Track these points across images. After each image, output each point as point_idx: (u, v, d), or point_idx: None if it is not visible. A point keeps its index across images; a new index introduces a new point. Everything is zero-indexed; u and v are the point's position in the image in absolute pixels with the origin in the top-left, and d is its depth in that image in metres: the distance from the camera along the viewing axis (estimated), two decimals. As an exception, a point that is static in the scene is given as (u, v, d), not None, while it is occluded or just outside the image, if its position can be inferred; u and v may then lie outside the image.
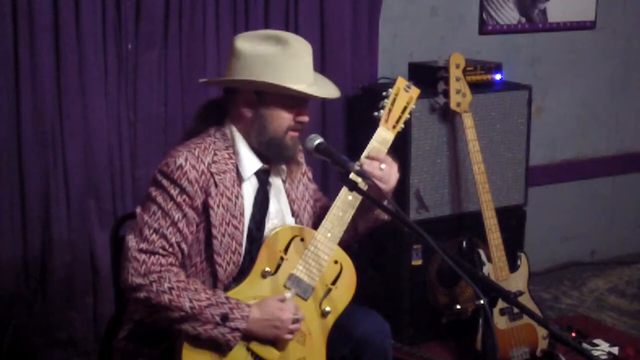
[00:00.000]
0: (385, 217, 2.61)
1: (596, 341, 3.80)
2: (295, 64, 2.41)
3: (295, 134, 2.47)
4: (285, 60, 2.40)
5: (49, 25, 3.33)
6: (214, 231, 2.40)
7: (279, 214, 2.54)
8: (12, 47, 3.31)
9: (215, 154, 2.43)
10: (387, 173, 2.51)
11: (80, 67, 3.41)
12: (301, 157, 2.65)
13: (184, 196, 2.36)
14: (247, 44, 2.43)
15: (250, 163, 2.47)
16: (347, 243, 2.59)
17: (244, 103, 2.46)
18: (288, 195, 2.58)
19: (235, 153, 2.46)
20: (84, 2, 3.36)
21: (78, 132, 3.45)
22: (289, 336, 2.40)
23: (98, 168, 3.51)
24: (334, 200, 2.50)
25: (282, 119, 2.43)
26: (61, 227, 3.48)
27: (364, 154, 2.53)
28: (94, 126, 3.47)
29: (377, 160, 2.51)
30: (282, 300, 2.40)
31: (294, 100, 2.43)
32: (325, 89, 2.50)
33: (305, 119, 2.46)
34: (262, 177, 2.51)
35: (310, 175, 2.69)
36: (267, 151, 2.46)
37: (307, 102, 2.47)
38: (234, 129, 2.48)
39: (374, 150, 2.54)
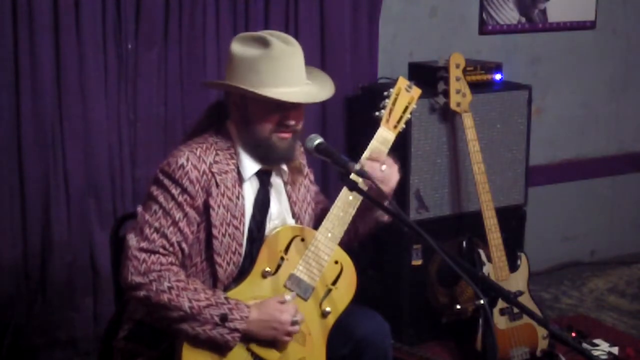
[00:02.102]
0: (385, 219, 2.60)
1: (596, 341, 3.80)
2: (277, 67, 2.36)
3: (285, 135, 2.41)
4: (266, 64, 2.35)
5: (49, 25, 3.33)
6: (215, 231, 2.40)
7: (281, 215, 2.54)
8: (12, 47, 3.31)
9: (216, 154, 2.42)
10: (387, 174, 2.50)
11: (80, 67, 3.41)
12: (303, 159, 2.64)
13: (185, 196, 2.36)
14: (238, 46, 2.41)
15: (249, 164, 2.46)
16: (348, 245, 2.59)
17: (233, 105, 2.46)
18: (289, 197, 2.57)
19: (236, 153, 2.46)
20: (84, 2, 3.36)
21: (78, 132, 3.45)
22: (287, 338, 2.40)
23: (98, 168, 3.51)
24: (335, 201, 2.49)
25: (265, 122, 2.39)
26: (61, 228, 3.48)
27: (365, 154, 2.52)
28: (94, 126, 3.47)
29: (378, 161, 2.50)
30: (282, 302, 2.39)
31: (276, 104, 2.37)
32: (310, 92, 2.42)
33: (291, 122, 2.40)
34: (264, 177, 2.50)
35: (312, 177, 2.68)
36: (256, 152, 2.44)
37: (296, 105, 2.39)
38: (234, 129, 2.48)
39: (375, 150, 2.53)
